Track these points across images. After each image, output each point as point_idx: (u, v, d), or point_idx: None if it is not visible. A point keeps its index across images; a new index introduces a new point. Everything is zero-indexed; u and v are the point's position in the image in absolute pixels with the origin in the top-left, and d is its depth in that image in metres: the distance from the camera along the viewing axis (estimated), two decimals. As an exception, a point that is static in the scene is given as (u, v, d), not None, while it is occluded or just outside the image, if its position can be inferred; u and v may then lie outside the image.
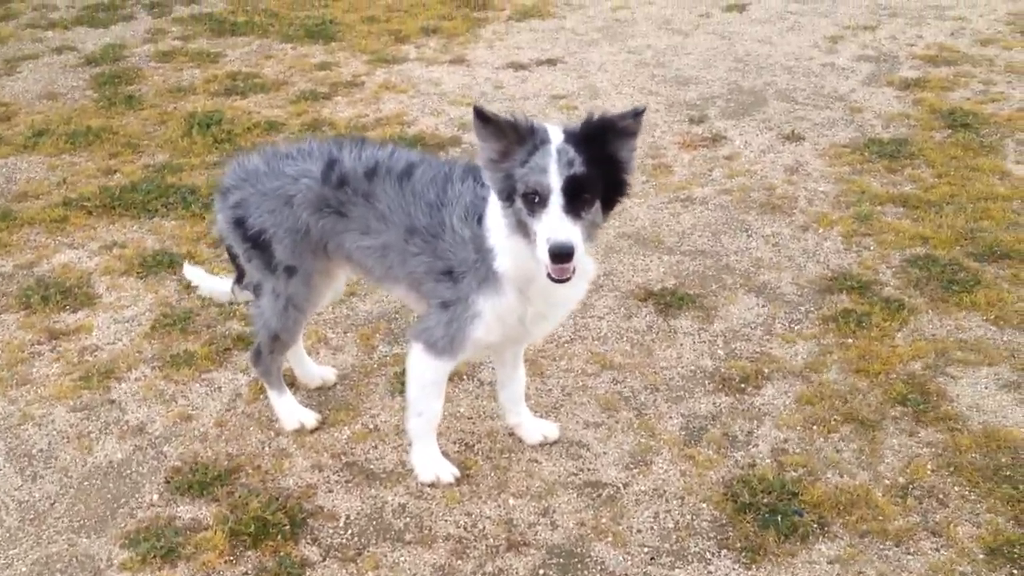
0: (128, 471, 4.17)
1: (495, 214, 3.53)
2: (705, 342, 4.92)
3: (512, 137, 3.33)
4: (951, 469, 4.08)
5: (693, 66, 8.09)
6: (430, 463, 4.10)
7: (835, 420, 4.37)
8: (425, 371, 3.88)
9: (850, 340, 4.88)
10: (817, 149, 6.71)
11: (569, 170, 3.24)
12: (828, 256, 5.56)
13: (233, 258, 4.30)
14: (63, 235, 5.91)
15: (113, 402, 4.57)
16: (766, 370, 4.69)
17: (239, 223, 4.02)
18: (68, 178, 6.54)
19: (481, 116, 3.32)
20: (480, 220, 3.62)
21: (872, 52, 8.23)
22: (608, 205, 3.44)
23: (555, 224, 3.22)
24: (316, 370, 4.73)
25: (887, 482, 4.03)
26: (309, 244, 3.99)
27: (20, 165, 6.77)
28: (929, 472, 4.07)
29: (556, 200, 3.23)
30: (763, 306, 5.17)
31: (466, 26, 9.06)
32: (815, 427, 4.34)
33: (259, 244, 4.01)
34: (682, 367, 4.75)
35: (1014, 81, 7.60)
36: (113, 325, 5.11)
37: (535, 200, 3.27)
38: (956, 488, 3.98)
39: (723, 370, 4.71)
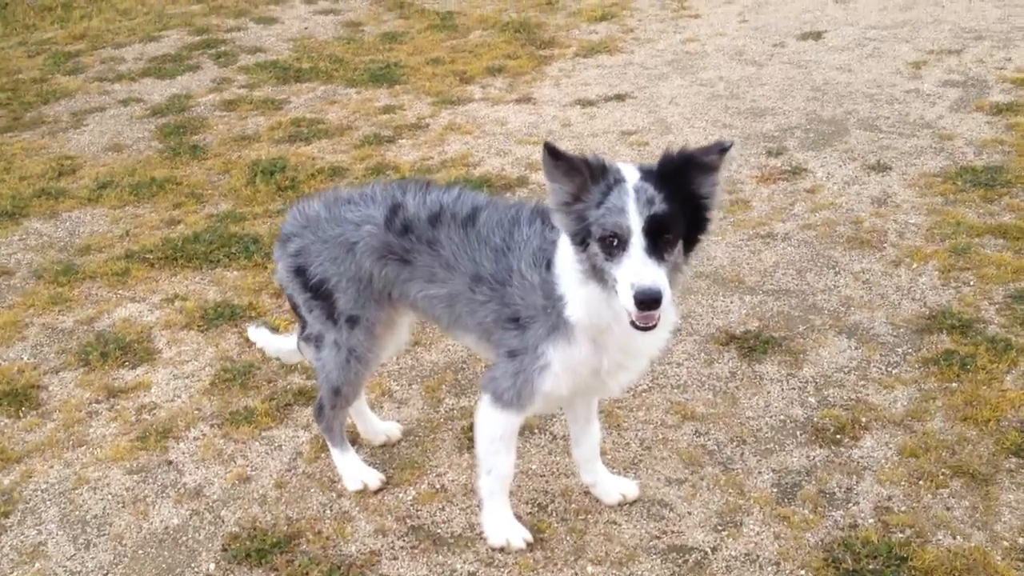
0: (184, 538, 3.95)
1: (565, 259, 3.27)
2: (794, 389, 4.57)
3: (585, 176, 3.08)
4: (1078, 528, 3.68)
5: (769, 97, 7.77)
6: (501, 526, 3.81)
7: (943, 474, 3.99)
8: (492, 424, 3.61)
9: (954, 384, 4.50)
10: (905, 179, 6.34)
11: (649, 209, 2.98)
12: (924, 293, 5.18)
13: (295, 308, 4.08)
14: (124, 288, 5.77)
15: (171, 463, 4.37)
16: (863, 419, 4.33)
17: (300, 272, 3.83)
18: (131, 230, 6.43)
19: (553, 153, 3.06)
20: (549, 265, 3.37)
21: (959, 77, 7.83)
22: (689, 245, 3.16)
23: (639, 268, 2.95)
24: (380, 426, 4.50)
25: (1006, 544, 3.65)
26: (372, 293, 3.78)
27: (84, 218, 6.68)
28: (1053, 531, 3.68)
29: (637, 242, 2.97)
30: (856, 348, 4.81)
31: (532, 64, 8.85)
32: (921, 482, 3.96)
33: (320, 293, 3.81)
34: (770, 417, 4.41)
35: (1115, 101, 7.16)
36: (172, 381, 4.93)
37: (614, 243, 3.00)
38: (1085, 550, 3.59)
39: (816, 420, 4.36)
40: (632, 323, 3.06)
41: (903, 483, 3.97)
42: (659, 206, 2.98)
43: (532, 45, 9.32)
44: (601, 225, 3.02)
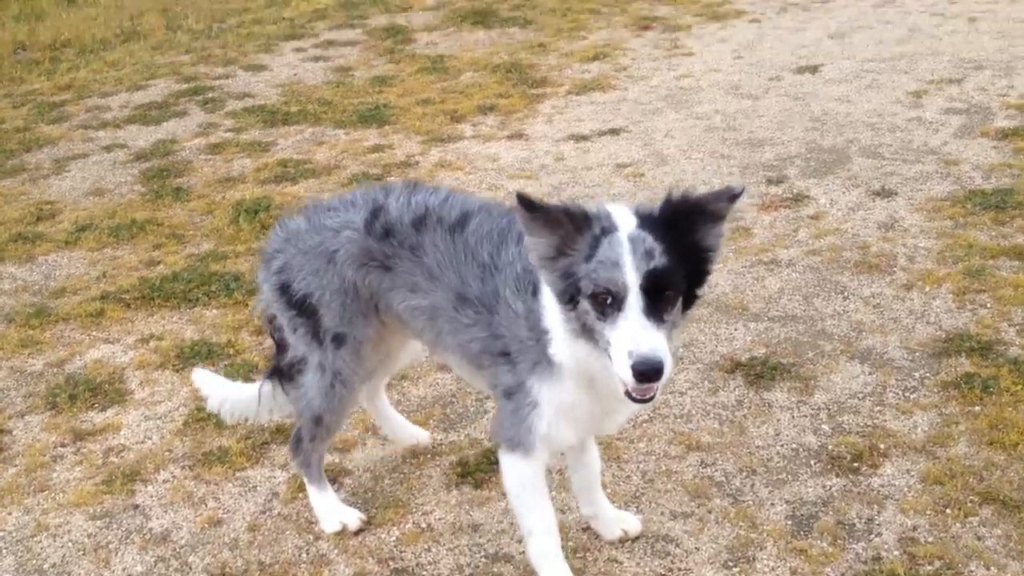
0: (148, 586, 3.64)
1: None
2: (806, 416, 4.28)
3: (568, 227, 2.71)
4: (1122, 556, 3.37)
5: (766, 128, 7.55)
6: None
7: (971, 501, 3.68)
8: (513, 476, 3.24)
9: (977, 408, 4.20)
10: (912, 204, 6.09)
11: (648, 263, 2.63)
12: (939, 316, 4.90)
13: (277, 333, 3.76)
14: (98, 330, 5.49)
15: (137, 507, 4.07)
16: (882, 446, 4.03)
17: (284, 289, 3.53)
18: (108, 272, 6.16)
19: (527, 205, 2.68)
20: (535, 292, 3.01)
21: (961, 104, 7.62)
22: (687, 302, 2.80)
23: (636, 332, 2.60)
24: (410, 428, 4.24)
25: (1044, 574, 3.33)
26: (359, 306, 3.47)
27: (60, 262, 6.42)
28: (1095, 560, 3.36)
29: (634, 301, 2.62)
30: (870, 374, 4.52)
31: (524, 103, 8.65)
32: (948, 511, 3.66)
33: (305, 310, 3.51)
34: (781, 446, 4.11)
35: (1124, 124, 6.94)
36: (144, 422, 4.63)
37: (607, 302, 2.65)
38: None
39: (831, 447, 4.06)
40: (627, 394, 2.71)
41: (928, 512, 3.66)
42: (659, 259, 2.64)
43: (524, 84, 9.12)
44: (592, 281, 2.66)
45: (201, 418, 4.59)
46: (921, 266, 5.37)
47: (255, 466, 4.26)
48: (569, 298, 2.75)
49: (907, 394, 4.36)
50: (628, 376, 2.61)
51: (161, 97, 9.71)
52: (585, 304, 2.71)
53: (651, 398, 2.74)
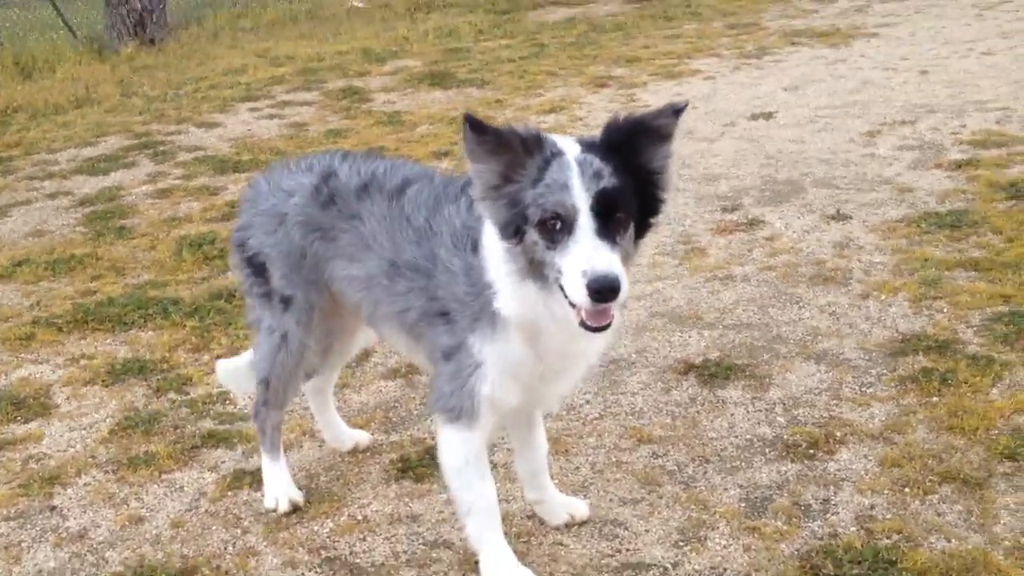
0: (60, 582, 3.38)
1: (495, 240, 2.78)
2: (760, 411, 4.12)
3: (517, 150, 2.60)
4: (1089, 525, 3.21)
5: (721, 165, 7.51)
6: (506, 572, 3.14)
7: (931, 481, 3.53)
8: (452, 450, 3.06)
9: (935, 398, 4.07)
10: (867, 226, 6.02)
11: (597, 184, 2.53)
12: (896, 321, 4.79)
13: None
14: (27, 352, 5.25)
15: (54, 508, 3.83)
16: (838, 434, 3.88)
17: (241, 247, 3.51)
18: (43, 301, 5.94)
19: (476, 127, 2.58)
20: (475, 247, 2.89)
21: (914, 142, 7.63)
22: (640, 230, 2.69)
23: (590, 253, 2.48)
24: (348, 432, 4.06)
25: (1008, 543, 3.19)
26: (306, 272, 3.39)
27: (-6, 294, 6.19)
28: (1061, 530, 3.20)
29: (586, 223, 2.51)
30: (826, 372, 4.38)
31: (479, 149, 8.61)
32: (907, 489, 3.50)
33: (257, 268, 3.47)
34: (735, 437, 3.94)
35: (1074, 156, 6.95)
36: (68, 433, 4.40)
37: (556, 227, 2.53)
38: (1100, 547, 3.11)
39: (786, 437, 3.90)
40: (582, 323, 2.57)
41: (886, 492, 3.50)
42: (608, 180, 2.54)
43: (479, 133, 9.10)
44: (540, 206, 2.55)
45: (128, 427, 4.37)
46: (877, 278, 5.28)
47: (183, 468, 4.03)
48: (515, 230, 2.63)
49: (864, 389, 4.21)
50: (583, 297, 2.48)
51: (111, 151, 9.57)
52: (533, 235, 2.59)
53: (607, 325, 2.59)
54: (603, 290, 2.46)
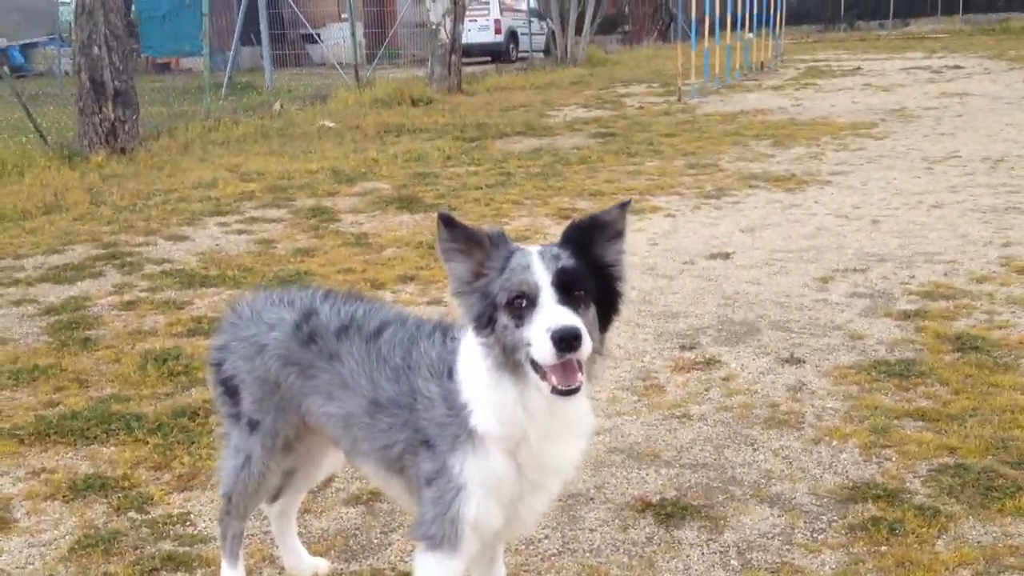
0: None
1: (469, 364, 3.00)
2: (716, 553, 4.22)
3: (485, 247, 2.88)
4: None
5: (680, 303, 7.73)
6: None
7: (880, 631, 3.62)
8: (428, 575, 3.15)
9: (884, 548, 4.19)
10: (819, 370, 6.22)
11: (557, 263, 2.79)
12: (846, 467, 4.94)
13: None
14: (-13, 463, 5.25)
15: (10, 629, 3.80)
16: (790, 579, 3.98)
17: (217, 366, 3.65)
18: (4, 411, 5.94)
19: (448, 223, 2.88)
20: (450, 374, 3.09)
21: (865, 290, 7.91)
22: (603, 324, 2.93)
23: (551, 314, 2.72)
24: (307, 560, 4.10)
25: None
26: (279, 400, 3.53)
27: (-45, 402, 6.18)
28: None
29: (548, 295, 2.75)
30: (779, 516, 4.50)
31: (443, 275, 8.77)
32: (856, 639, 3.58)
33: (229, 390, 3.61)
34: (691, 579, 4.03)
35: (1018, 311, 7.23)
36: (27, 549, 4.39)
37: (522, 305, 2.77)
38: None
39: (739, 581, 3.99)
40: (553, 389, 2.76)
41: (838, 640, 3.58)
42: (566, 261, 2.81)
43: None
44: (507, 289, 2.80)
45: (88, 545, 4.37)
46: (828, 423, 5.45)
47: (142, 590, 4.04)
48: (488, 319, 2.84)
49: (815, 535, 4.34)
50: (549, 350, 2.67)
51: (78, 260, 9.65)
52: (503, 318, 2.81)
53: (576, 389, 2.76)
54: (566, 337, 2.65)
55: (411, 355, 3.25)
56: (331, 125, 18.75)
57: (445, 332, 3.26)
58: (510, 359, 2.86)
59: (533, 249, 2.86)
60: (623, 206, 2.94)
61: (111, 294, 8.49)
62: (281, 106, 21.56)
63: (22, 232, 11.05)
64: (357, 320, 3.40)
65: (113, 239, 10.49)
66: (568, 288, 2.78)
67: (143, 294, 8.44)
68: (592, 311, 2.86)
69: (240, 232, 10.74)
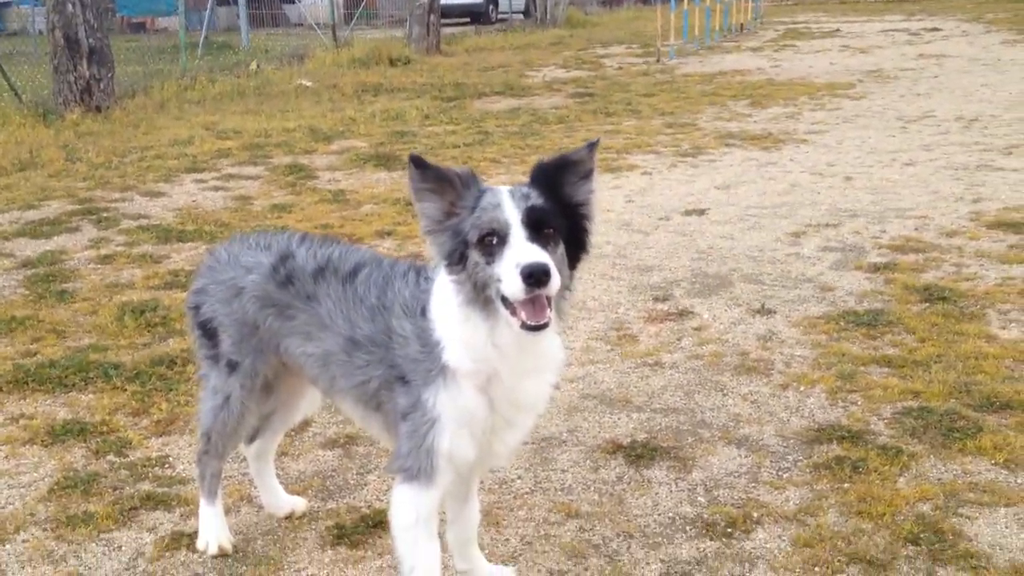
0: (-5, 636, 3.44)
1: (442, 302, 3.08)
2: (683, 491, 4.33)
3: (456, 186, 2.94)
4: (983, 607, 3.44)
5: (655, 257, 7.82)
6: None
7: (839, 561, 3.75)
8: (404, 509, 3.21)
9: (847, 485, 4.31)
10: (789, 321, 6.33)
11: (526, 202, 2.85)
12: (813, 411, 5.05)
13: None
14: (-35, 411, 5.29)
15: (-9, 564, 3.87)
16: (755, 515, 4.10)
17: (195, 309, 3.72)
18: (-19, 361, 5.98)
19: (419, 164, 2.93)
20: (424, 312, 3.16)
21: (837, 244, 8.02)
22: (572, 262, 2.99)
23: (520, 251, 2.78)
24: (285, 498, 4.19)
25: (910, 622, 3.38)
26: (258, 342, 3.61)
27: (-68, 353, 6.21)
28: (957, 611, 3.43)
29: (518, 232, 2.81)
30: (746, 456, 4.61)
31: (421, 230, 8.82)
32: (817, 569, 3.71)
33: (208, 332, 3.68)
34: (659, 514, 4.14)
35: (986, 264, 7.36)
36: (6, 490, 4.45)
37: (493, 242, 2.83)
38: (992, 627, 3.34)
39: (706, 516, 4.11)
40: (523, 325, 2.83)
41: (798, 570, 3.71)
42: (536, 199, 2.87)
43: (421, 215, 9.32)
44: (477, 227, 2.86)
45: (67, 486, 4.44)
46: (797, 370, 5.56)
47: (122, 528, 4.12)
48: (459, 257, 2.90)
49: (780, 473, 4.45)
50: (518, 285, 2.73)
51: (53, 215, 9.63)
52: (474, 255, 2.87)
53: (545, 324, 2.82)
54: (535, 272, 2.71)
55: (386, 295, 3.32)
56: (308, 84, 18.69)
57: (419, 272, 3.32)
58: (481, 295, 2.92)
59: (503, 188, 2.92)
60: (591, 146, 3.00)
61: (87, 248, 8.50)
62: (258, 66, 21.45)
63: (-2, 189, 10.99)
64: (333, 262, 3.46)
65: (89, 195, 10.47)
66: (537, 226, 2.83)
67: (120, 248, 8.46)
68: (561, 249, 2.91)
69: (217, 189, 10.74)
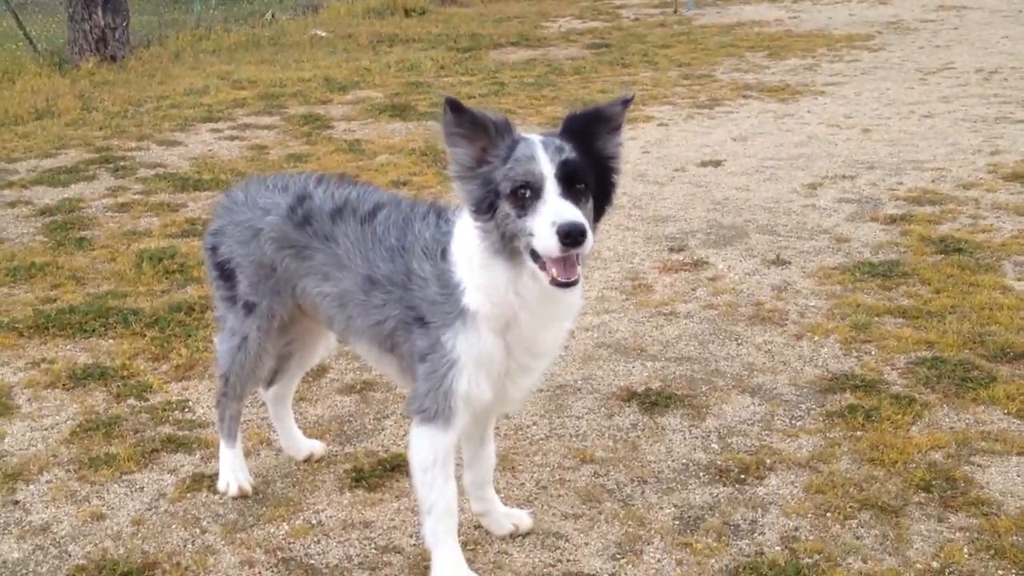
0: (24, 571, 3.54)
1: (464, 244, 3.09)
2: (697, 438, 4.37)
3: (490, 133, 2.92)
4: (991, 552, 3.51)
5: (670, 208, 7.82)
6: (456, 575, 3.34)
7: (851, 507, 3.79)
8: (422, 449, 3.25)
9: (859, 433, 4.35)
10: (804, 272, 6.34)
11: (560, 155, 2.84)
12: (826, 361, 5.08)
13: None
14: (-12, 354, 5.37)
15: (17, 503, 3.96)
16: (768, 461, 4.14)
17: (213, 250, 3.76)
18: (3, 306, 6.04)
19: (455, 108, 2.89)
20: (444, 255, 3.18)
21: (853, 196, 8.00)
22: (596, 213, 2.99)
23: (557, 207, 2.78)
24: (304, 442, 4.25)
25: (919, 566, 3.44)
26: (275, 283, 3.65)
27: (-46, 299, 6.28)
28: (967, 556, 3.49)
29: (552, 187, 2.81)
30: (759, 405, 4.65)
31: (437, 181, 8.83)
32: (829, 514, 3.76)
33: (225, 273, 3.72)
34: (672, 460, 4.18)
35: (1002, 216, 7.33)
36: (29, 432, 4.53)
37: (526, 195, 2.83)
38: (1000, 572, 3.40)
39: (719, 462, 4.15)
40: (552, 280, 2.84)
41: (810, 515, 3.75)
42: (569, 153, 2.87)
43: (438, 165, 9.33)
44: (511, 178, 2.85)
45: (89, 429, 4.51)
46: (811, 320, 5.58)
47: (143, 470, 4.19)
48: (488, 206, 2.90)
49: (793, 421, 4.49)
50: (554, 243, 2.74)
51: (71, 164, 9.67)
52: (504, 207, 2.87)
53: (575, 281, 2.85)
54: (572, 233, 2.72)
55: (406, 236, 3.32)
56: (323, 34, 18.60)
57: (439, 214, 3.33)
58: (507, 245, 2.92)
59: (536, 138, 2.90)
60: (626, 102, 2.99)
61: (105, 196, 8.54)
62: (272, 15, 21.33)
63: (14, 136, 11.04)
64: (351, 202, 3.47)
65: (105, 144, 10.50)
66: (571, 180, 2.83)
67: (137, 196, 8.49)
68: (590, 203, 2.92)
69: (232, 138, 10.74)
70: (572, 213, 2.76)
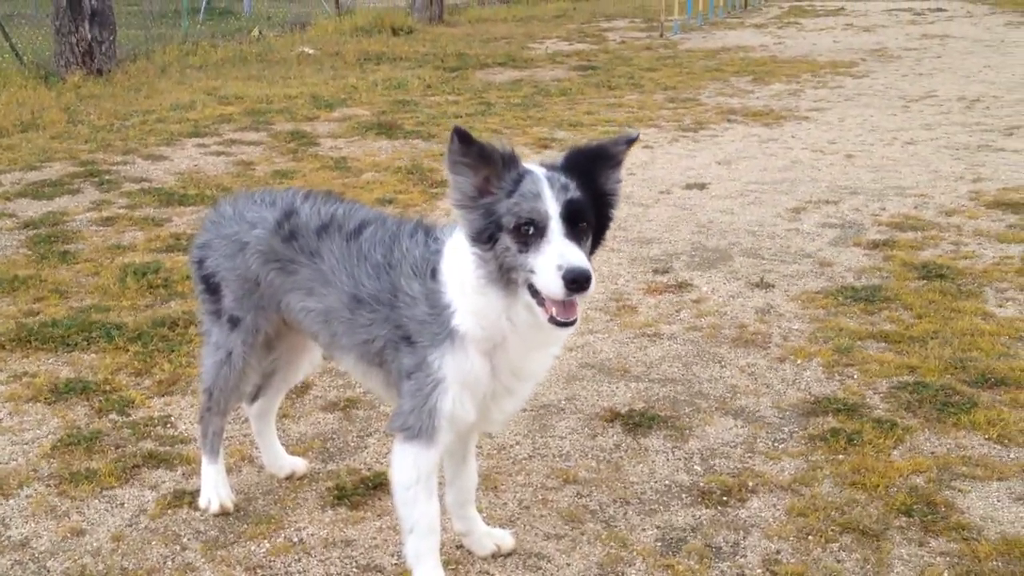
0: (0, 587, 3.49)
1: (456, 267, 3.09)
2: (680, 459, 4.38)
3: (496, 165, 2.91)
4: (972, 577, 3.50)
5: (655, 230, 7.85)
6: None
7: (832, 530, 3.80)
8: (404, 467, 3.24)
9: (841, 456, 4.36)
10: (788, 295, 6.37)
11: (565, 194, 2.85)
12: (809, 384, 5.10)
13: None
14: (-32, 367, 5.33)
15: (-5, 518, 3.92)
16: (750, 483, 4.15)
17: (199, 264, 3.76)
18: (-16, 319, 6.01)
19: (464, 138, 2.87)
20: (434, 274, 3.17)
21: (836, 220, 8.05)
22: (592, 247, 3.01)
23: (563, 249, 2.78)
24: (286, 459, 4.23)
25: (900, 591, 3.44)
26: (259, 298, 3.64)
27: (-65, 311, 6.24)
28: (947, 581, 3.49)
29: (556, 227, 2.81)
30: (742, 427, 4.66)
31: (423, 198, 8.85)
32: (811, 537, 3.76)
33: (211, 287, 3.71)
34: (655, 482, 4.19)
35: (984, 243, 7.39)
36: (9, 446, 4.49)
37: (529, 232, 2.82)
38: (981, 597, 3.40)
39: (702, 484, 4.16)
40: (551, 319, 2.85)
41: (791, 539, 3.76)
42: (574, 192, 2.87)
43: (424, 184, 9.34)
44: (515, 214, 2.85)
45: (71, 443, 4.48)
46: (794, 343, 5.60)
47: (124, 486, 4.17)
48: (488, 236, 2.90)
49: (776, 444, 4.50)
50: (559, 287, 2.74)
51: (55, 177, 9.64)
52: (505, 240, 2.87)
53: (573, 321, 2.86)
54: (579, 279, 2.74)
55: (392, 253, 3.33)
56: (311, 52, 18.63)
57: (427, 232, 3.33)
58: (504, 276, 2.93)
59: (541, 174, 2.90)
60: (630, 141, 3.01)
61: (89, 210, 8.51)
62: (260, 32, 21.37)
63: (-1, 150, 10.99)
64: (337, 219, 3.47)
65: (91, 157, 10.46)
66: (574, 220, 2.84)
67: (121, 211, 8.47)
68: (589, 240, 2.94)
69: (218, 153, 10.73)
70: (579, 258, 2.77)
